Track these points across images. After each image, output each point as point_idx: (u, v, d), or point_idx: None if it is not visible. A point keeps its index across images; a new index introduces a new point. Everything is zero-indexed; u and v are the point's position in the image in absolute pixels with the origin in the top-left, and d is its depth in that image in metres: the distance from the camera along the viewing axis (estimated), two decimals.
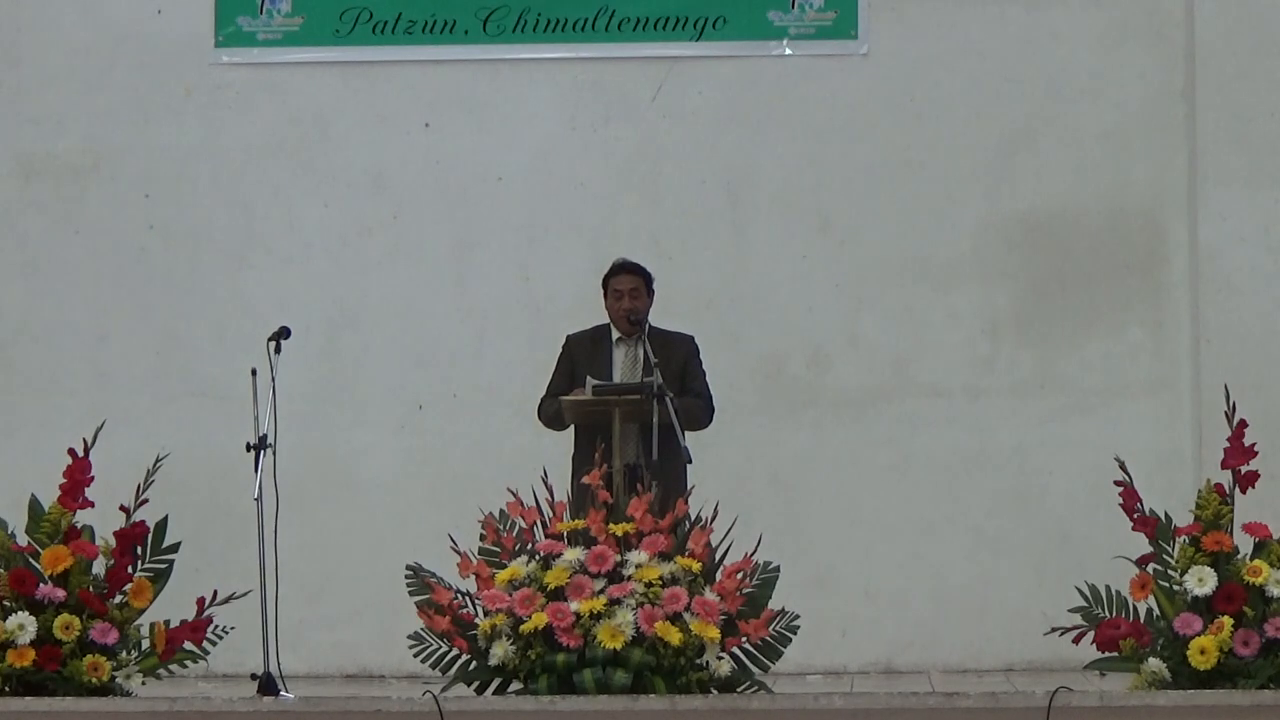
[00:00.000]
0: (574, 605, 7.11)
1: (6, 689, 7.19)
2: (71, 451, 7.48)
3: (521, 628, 7.13)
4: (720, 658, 7.19)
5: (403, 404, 10.97)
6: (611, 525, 7.35)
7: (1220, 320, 10.51)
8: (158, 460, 7.55)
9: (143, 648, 7.39)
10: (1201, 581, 7.15)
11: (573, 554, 7.27)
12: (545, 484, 7.60)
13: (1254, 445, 7.34)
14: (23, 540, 7.40)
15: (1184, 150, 10.76)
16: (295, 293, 10.70)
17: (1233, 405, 7.42)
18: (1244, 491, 7.32)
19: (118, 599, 7.36)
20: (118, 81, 11.10)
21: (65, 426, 7.80)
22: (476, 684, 7.27)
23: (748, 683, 7.28)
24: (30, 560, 7.34)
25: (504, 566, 7.33)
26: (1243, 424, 7.37)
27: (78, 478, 7.43)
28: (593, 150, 11.04)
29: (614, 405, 8.70)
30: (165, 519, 7.48)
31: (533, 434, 9.20)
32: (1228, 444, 7.38)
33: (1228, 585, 7.14)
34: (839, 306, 10.95)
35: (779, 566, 7.46)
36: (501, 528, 7.48)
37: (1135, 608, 7.28)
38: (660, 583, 7.18)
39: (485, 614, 7.25)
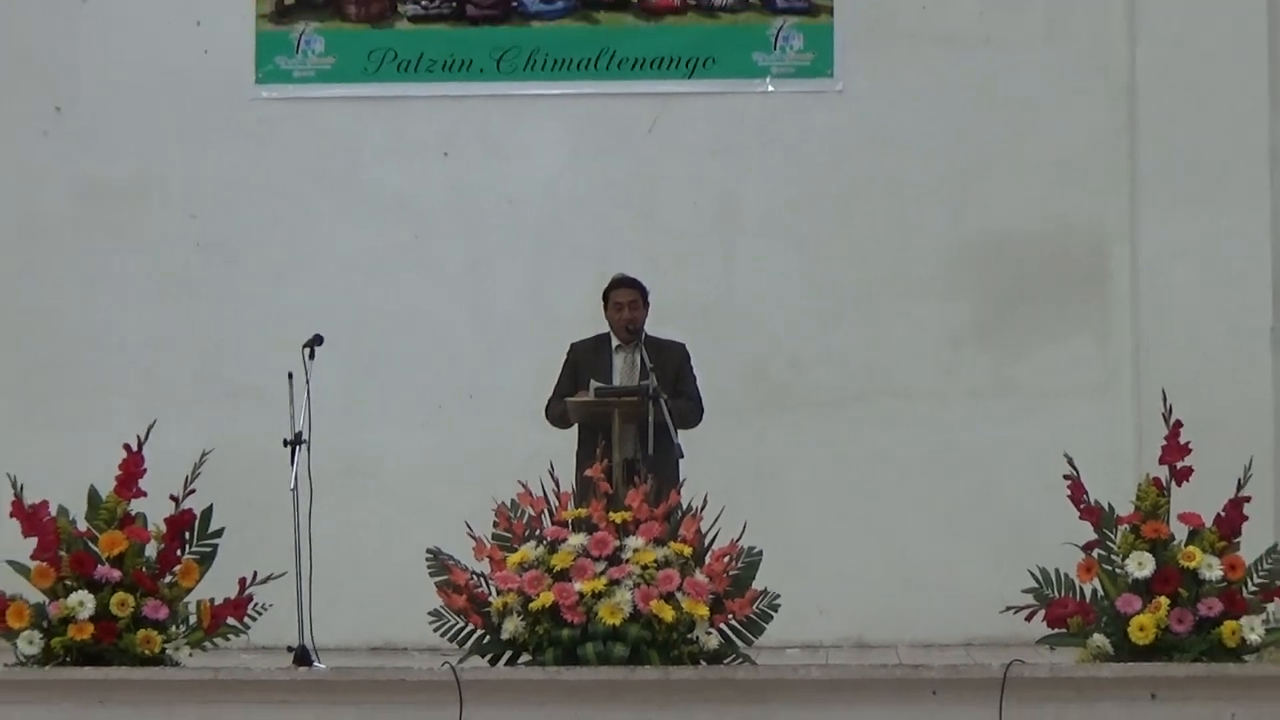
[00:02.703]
0: (577, 585, 7.14)
1: (68, 659, 7.22)
2: (126, 447, 7.50)
3: (530, 605, 7.15)
4: (709, 633, 7.21)
5: (423, 404, 10.99)
6: (611, 513, 7.37)
7: (1159, 330, 10.53)
8: (203, 455, 7.57)
9: (190, 623, 7.41)
10: (1141, 565, 7.17)
11: (576, 539, 7.29)
12: (552, 476, 7.62)
13: (1188, 443, 7.37)
14: (83, 526, 7.43)
15: (1126, 178, 10.78)
16: (327, 304, 10.71)
17: (1169, 407, 7.45)
18: (1179, 485, 7.35)
19: (168, 579, 7.39)
20: (168, 114, 11.12)
21: (120, 424, 7.82)
22: (490, 656, 7.29)
23: (733, 655, 7.30)
24: (89, 544, 7.36)
25: (515, 550, 7.35)
26: (1178, 424, 7.40)
27: (132, 470, 7.46)
28: (595, 176, 11.07)
29: (614, 406, 8.74)
30: (210, 507, 7.51)
31: (541, 431, 9.22)
32: (1165, 442, 7.40)
33: (1164, 569, 7.17)
34: (816, 317, 10.97)
35: (762, 551, 7.47)
36: (513, 516, 7.50)
37: (1082, 589, 7.31)
38: (655, 565, 7.20)
39: (498, 593, 7.27)
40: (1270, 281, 10.58)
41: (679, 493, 7.67)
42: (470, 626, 7.34)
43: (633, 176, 11.06)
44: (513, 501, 7.53)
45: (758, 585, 7.39)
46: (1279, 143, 10.65)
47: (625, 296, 9.27)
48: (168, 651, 7.31)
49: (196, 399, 10.69)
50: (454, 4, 11.11)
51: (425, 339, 11.03)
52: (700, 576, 7.24)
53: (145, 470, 7.45)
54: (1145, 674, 6.93)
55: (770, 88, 11.01)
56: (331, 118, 11.16)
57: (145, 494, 7.46)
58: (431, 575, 7.46)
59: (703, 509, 7.50)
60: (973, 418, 10.82)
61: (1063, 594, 7.30)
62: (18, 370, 11.08)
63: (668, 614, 7.09)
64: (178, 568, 7.40)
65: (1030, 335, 10.88)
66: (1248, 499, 7.37)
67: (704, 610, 7.16)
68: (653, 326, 9.32)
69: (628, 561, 7.21)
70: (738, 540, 7.44)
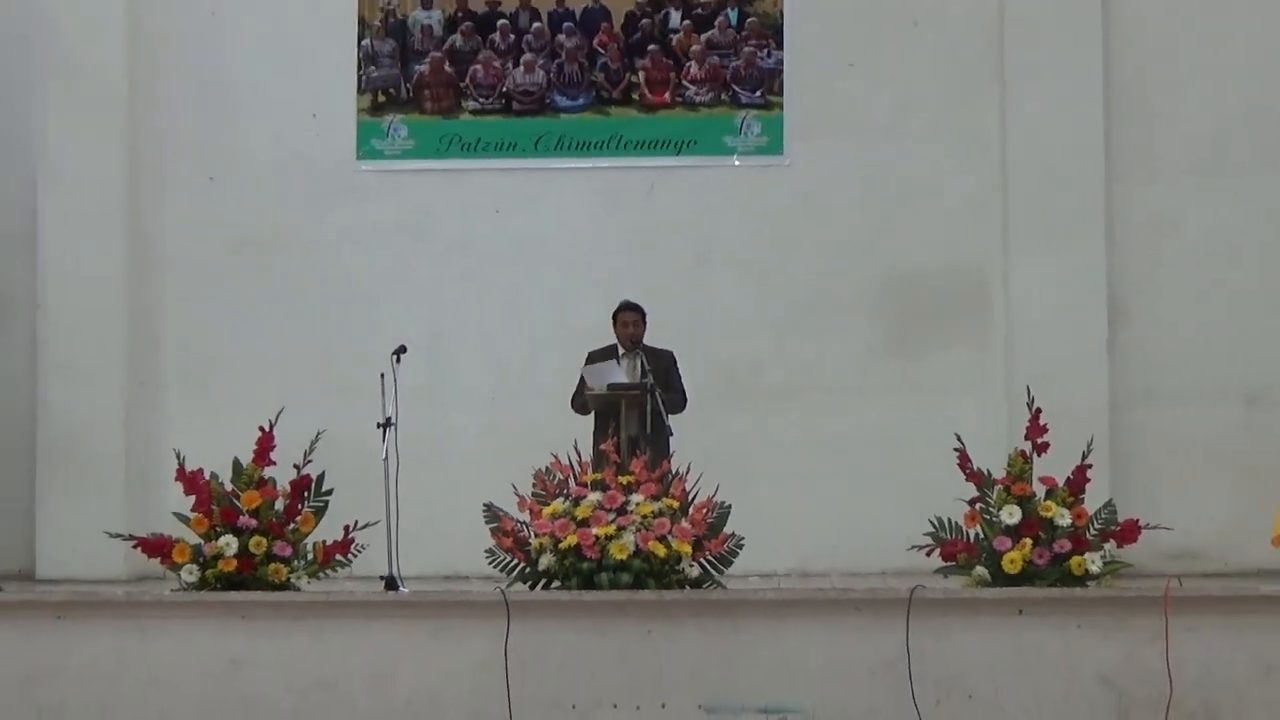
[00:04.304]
0: (595, 530, 7.15)
1: (218, 586, 7.24)
2: (261, 429, 7.52)
3: (560, 545, 7.16)
4: (691, 565, 7.22)
5: (481, 397, 10.98)
6: (619, 477, 7.37)
7: (1023, 342, 10.51)
8: (318, 435, 7.58)
9: (308, 558, 7.43)
10: (1011, 515, 7.19)
11: (594, 496, 7.30)
12: (575, 450, 7.63)
13: (1045, 426, 7.39)
14: (229, 487, 7.44)
15: (999, 229, 10.77)
16: (410, 322, 10.69)
17: (1032, 399, 7.46)
18: (1039, 456, 7.38)
19: (291, 526, 7.41)
20: (292, 182, 11.11)
21: (256, 412, 7.79)
22: (530, 583, 7.30)
23: (710, 582, 7.31)
24: (234, 500, 7.38)
25: (548, 504, 7.35)
26: (1038, 411, 7.43)
27: (265, 446, 7.49)
28: (608, 227, 11.07)
29: (621, 398, 8.73)
30: (323, 473, 7.52)
31: (567, 417, 9.20)
32: (1028, 425, 7.42)
33: (1028, 518, 7.19)
34: (770, 332, 10.97)
35: (730, 505, 7.48)
36: (547, 479, 7.51)
37: (967, 533, 7.32)
38: (652, 515, 7.21)
39: (536, 536, 7.28)
40: (1105, 306, 10.57)
41: (670, 462, 7.68)
42: (516, 561, 7.35)
43: (635, 228, 11.04)
44: (547, 469, 7.54)
45: (727, 530, 7.40)
46: (1112, 205, 10.64)
47: (629, 317, 9.28)
48: (291, 580, 7.33)
49: (312, 393, 10.66)
50: (503, 101, 11.12)
51: (481, 348, 11.02)
52: (685, 524, 7.25)
53: (275, 446, 7.48)
54: (1014, 596, 6.95)
55: (737, 163, 11.01)
56: (413, 185, 11.15)
57: (275, 463, 7.48)
58: (487, 523, 7.47)
59: (687, 474, 7.51)
60: (886, 406, 10.80)
61: (953, 536, 7.32)
62: (181, 374, 11.08)
63: (661, 551, 7.10)
64: (299, 518, 7.43)
65: (928, 345, 10.87)
66: (1089, 466, 7.39)
67: (688, 548, 7.17)
68: (649, 338, 9.32)
69: (631, 512, 7.22)
70: (713, 497, 7.45)
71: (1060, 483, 7.31)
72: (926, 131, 10.91)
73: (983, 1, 10.83)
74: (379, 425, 8.17)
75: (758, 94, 11.00)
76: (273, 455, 7.46)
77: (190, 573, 7.26)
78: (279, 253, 11.09)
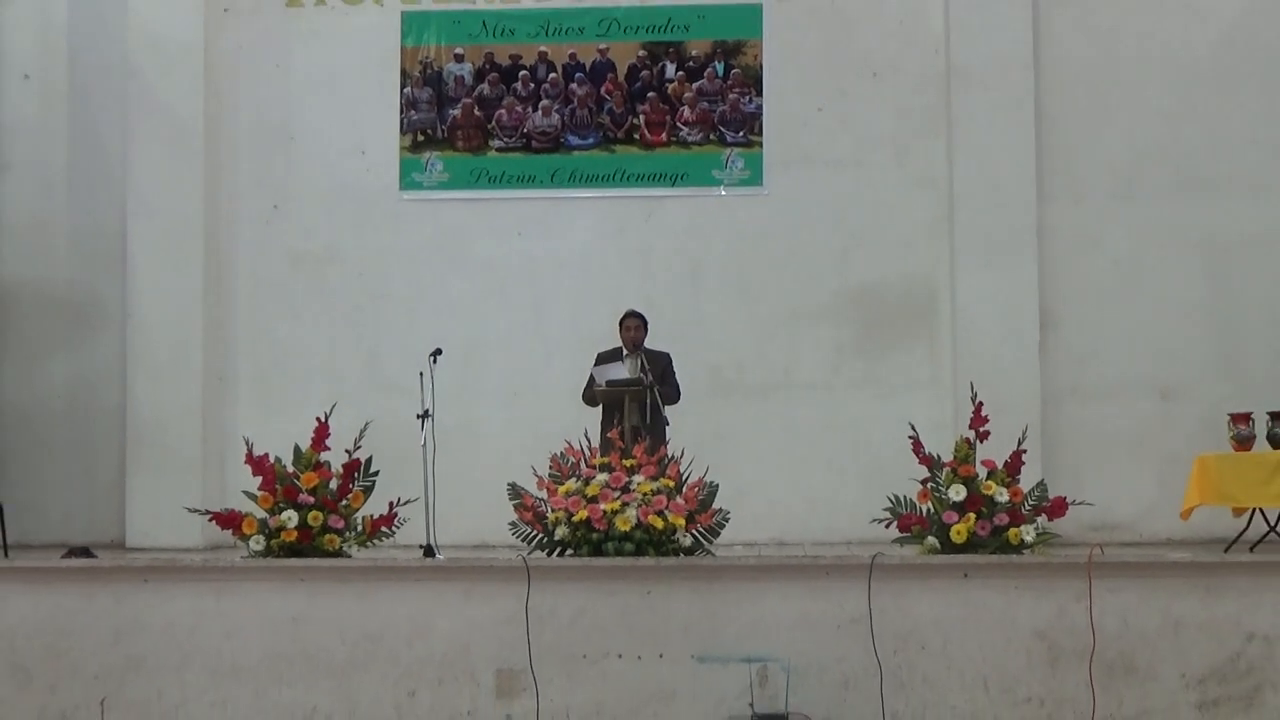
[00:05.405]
0: (603, 506, 7.15)
1: (280, 553, 7.24)
2: (318, 419, 7.52)
3: (573, 519, 7.16)
4: (685, 536, 7.22)
5: (505, 392, 10.97)
6: (623, 461, 7.37)
7: (967, 344, 10.50)
8: (366, 424, 7.59)
9: (357, 530, 7.44)
10: (958, 493, 7.20)
11: (602, 477, 7.31)
12: (586, 438, 7.64)
13: (986, 416, 7.39)
14: (291, 469, 7.44)
15: (947, 247, 10.77)
16: (444, 329, 10.68)
17: (975, 393, 7.47)
18: (982, 442, 7.38)
19: (343, 502, 7.41)
20: (345, 209, 11.11)
21: (313, 405, 7.82)
22: (547, 551, 7.30)
23: (700, 550, 7.31)
24: (295, 480, 7.39)
25: (563, 484, 7.35)
26: (980, 404, 7.44)
27: (321, 434, 7.50)
28: (614, 248, 11.05)
29: (625, 392, 8.74)
30: (370, 457, 7.53)
31: (578, 409, 9.20)
32: (972, 415, 7.42)
33: (972, 495, 7.19)
34: (752, 336, 10.95)
35: (718, 484, 7.49)
36: (562, 462, 7.51)
37: (920, 508, 7.32)
38: (651, 493, 7.21)
39: (552, 511, 7.28)
40: (1037, 313, 10.56)
41: (666, 448, 7.68)
42: (535, 532, 7.36)
43: (637, 248, 11.04)
44: (562, 453, 7.54)
45: (716, 506, 7.40)
46: (1043, 225, 10.63)
47: (632, 322, 9.28)
48: (343, 548, 7.34)
49: (361, 389, 10.68)
50: (524, 141, 11.12)
51: (506, 351, 11.01)
52: (679, 500, 7.25)
53: (330, 434, 7.49)
54: (960, 562, 6.95)
55: (723, 192, 11.01)
56: (447, 212, 11.14)
57: (329, 449, 7.49)
58: (511, 500, 7.47)
59: (681, 458, 7.51)
60: (851, 400, 10.79)
61: (908, 511, 7.32)
62: (250, 372, 11.07)
63: (659, 524, 7.10)
64: (350, 495, 7.43)
65: (888, 347, 10.86)
66: (1024, 451, 7.40)
67: (682, 521, 7.18)
68: (649, 342, 9.31)
69: (634, 491, 7.22)
70: (703, 478, 7.45)
71: (999, 465, 7.31)
72: (885, 165, 10.91)
73: (932, 55, 10.85)
74: (418, 417, 8.18)
75: (741, 134, 11.01)
76: (328, 442, 7.47)
77: (257, 542, 7.27)
78: (333, 269, 11.09)
